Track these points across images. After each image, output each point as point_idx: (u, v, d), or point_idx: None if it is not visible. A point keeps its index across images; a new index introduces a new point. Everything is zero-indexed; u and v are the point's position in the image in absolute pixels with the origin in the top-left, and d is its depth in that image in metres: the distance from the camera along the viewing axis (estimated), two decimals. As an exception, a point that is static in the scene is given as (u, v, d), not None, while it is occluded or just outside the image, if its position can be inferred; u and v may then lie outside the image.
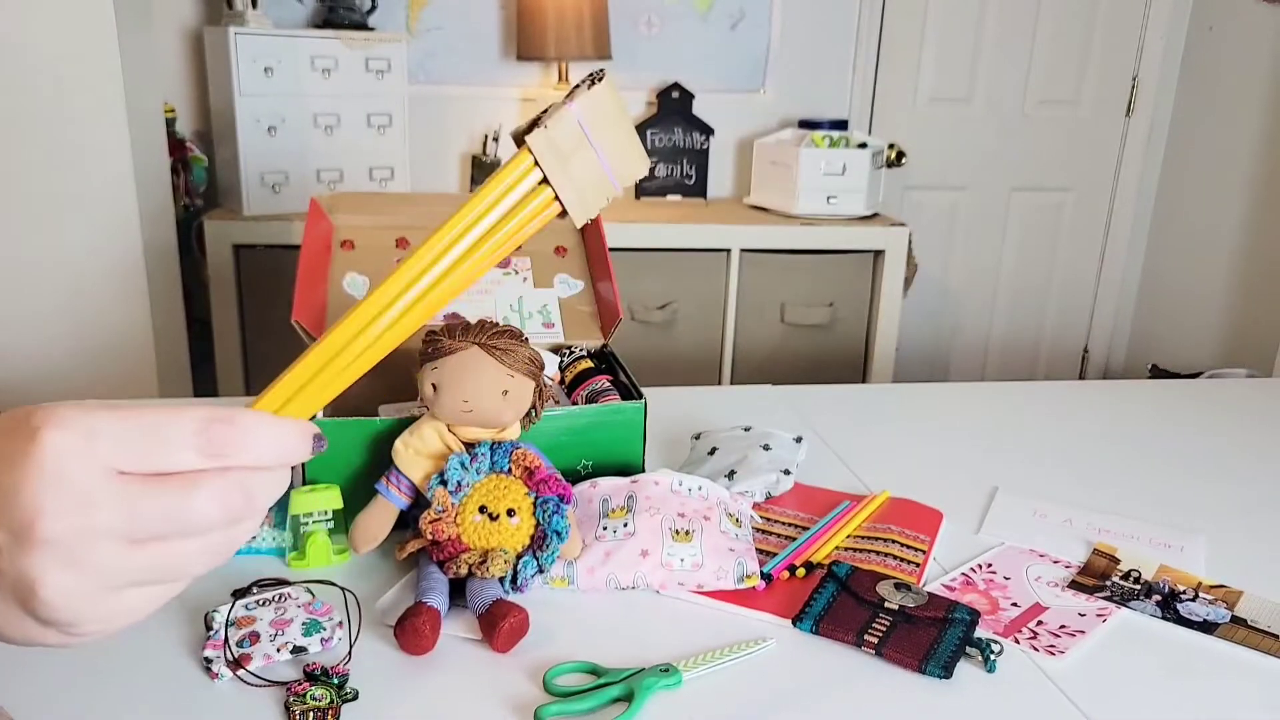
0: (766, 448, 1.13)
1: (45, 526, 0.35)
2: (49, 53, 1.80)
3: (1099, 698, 0.77)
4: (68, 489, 0.35)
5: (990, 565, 0.97)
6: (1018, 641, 0.84)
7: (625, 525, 0.91)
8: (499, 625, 0.78)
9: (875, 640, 0.81)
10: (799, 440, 1.17)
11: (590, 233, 1.26)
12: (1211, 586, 0.94)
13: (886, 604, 0.86)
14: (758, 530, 1.01)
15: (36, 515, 0.35)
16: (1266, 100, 2.81)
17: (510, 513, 0.86)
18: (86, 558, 0.36)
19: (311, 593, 0.83)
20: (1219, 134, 2.98)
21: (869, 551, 0.97)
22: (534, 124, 0.50)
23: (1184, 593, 0.93)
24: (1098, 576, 0.95)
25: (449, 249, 0.49)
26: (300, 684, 0.73)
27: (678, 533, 0.90)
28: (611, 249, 1.21)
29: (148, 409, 0.38)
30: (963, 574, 0.95)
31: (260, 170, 2.34)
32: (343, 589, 0.84)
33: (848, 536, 1.00)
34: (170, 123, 2.35)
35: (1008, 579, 0.95)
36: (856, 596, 0.87)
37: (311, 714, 0.70)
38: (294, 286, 1.07)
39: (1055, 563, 0.98)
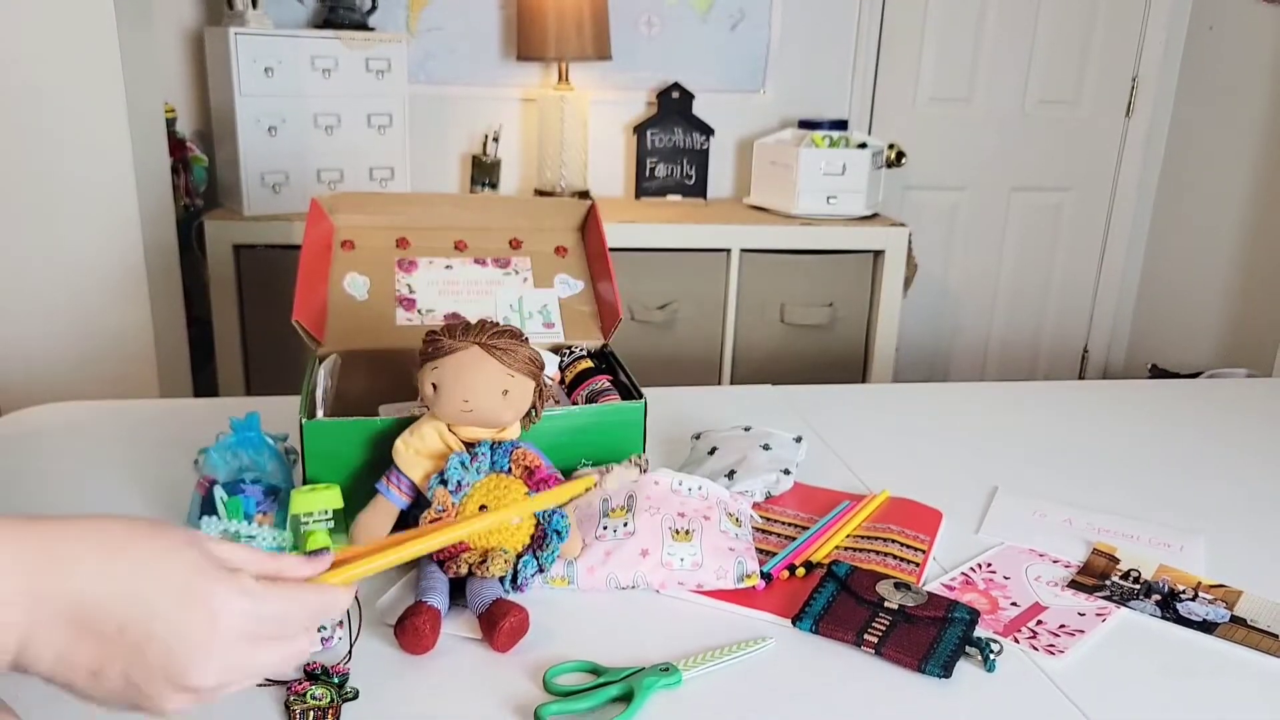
0: (766, 447, 1.14)
1: (195, 682, 0.47)
2: (49, 53, 1.80)
3: (1098, 697, 0.77)
4: (222, 664, 0.48)
5: (990, 565, 0.97)
6: (1017, 641, 0.84)
7: (625, 525, 0.91)
8: (499, 625, 0.78)
9: (875, 639, 0.81)
10: (799, 440, 1.17)
11: (590, 233, 1.26)
12: (1211, 586, 0.94)
13: (886, 603, 0.86)
14: (757, 530, 1.01)
15: (190, 676, 0.47)
16: (1266, 100, 2.81)
17: (510, 512, 0.86)
18: (209, 696, 0.49)
19: (312, 592, 0.83)
20: (1219, 134, 2.98)
21: (869, 551, 0.97)
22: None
23: (1183, 592, 0.93)
24: (1097, 576, 0.96)
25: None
26: (300, 683, 0.73)
27: (678, 532, 0.90)
28: (611, 249, 1.21)
29: (287, 590, 0.52)
30: (962, 573, 0.95)
31: (260, 170, 2.34)
32: (343, 588, 0.84)
33: (847, 536, 1.00)
34: (170, 123, 2.35)
35: (1007, 578, 0.95)
36: (856, 596, 0.87)
37: (312, 713, 0.71)
38: (294, 286, 1.08)
39: (1055, 562, 0.98)
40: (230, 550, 0.51)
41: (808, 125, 2.76)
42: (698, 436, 1.20)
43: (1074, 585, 0.94)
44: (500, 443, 0.89)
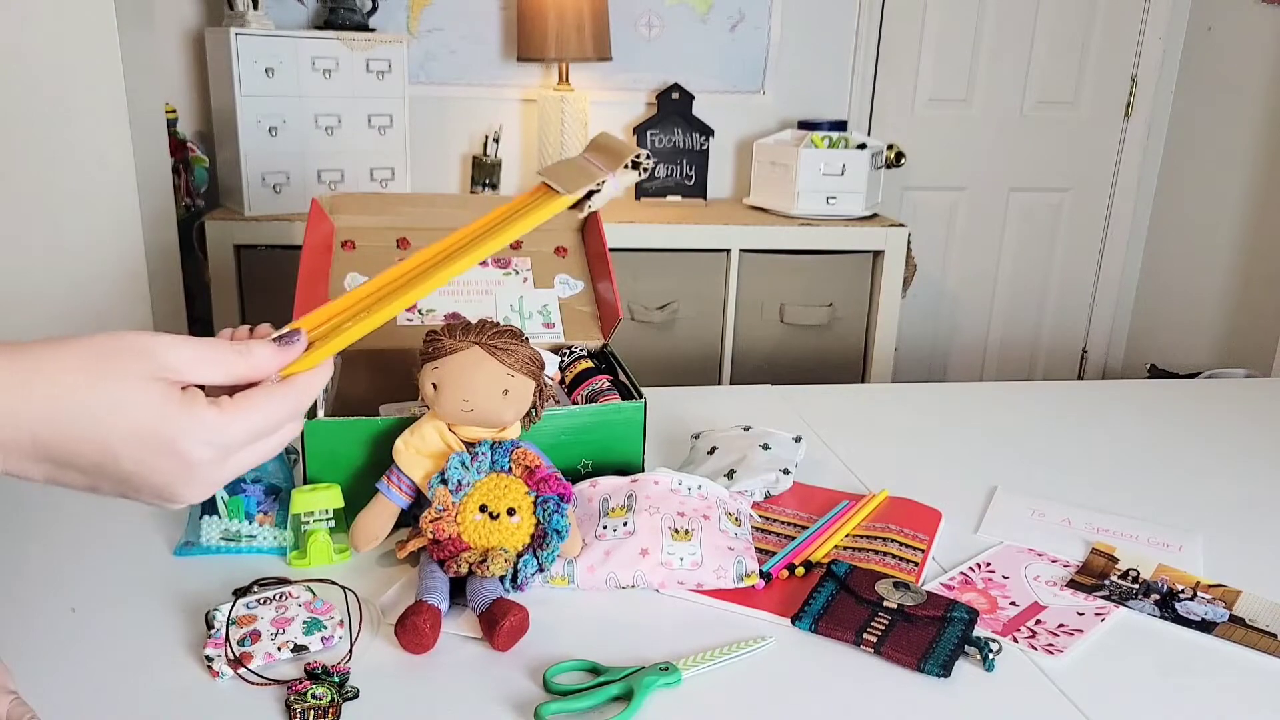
0: (766, 447, 1.14)
1: (185, 500, 0.52)
2: (50, 53, 1.81)
3: (1097, 697, 0.78)
4: (205, 483, 0.52)
5: (989, 564, 0.98)
6: (1016, 640, 0.85)
7: (625, 524, 0.91)
8: (499, 624, 0.79)
9: (874, 639, 0.82)
10: (798, 440, 1.18)
11: (590, 233, 1.27)
12: (1210, 586, 0.94)
13: (885, 603, 0.86)
14: (757, 529, 1.01)
15: (178, 498, 0.52)
16: (1265, 101, 2.82)
17: (510, 511, 0.87)
18: (208, 494, 0.53)
19: (312, 591, 0.84)
20: (1217, 134, 2.98)
21: (868, 550, 0.97)
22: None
23: (1182, 592, 0.93)
24: (1096, 576, 0.96)
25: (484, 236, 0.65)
26: (301, 682, 0.74)
27: (677, 531, 0.91)
28: (611, 249, 1.21)
29: (254, 406, 0.52)
30: (961, 573, 0.96)
31: (261, 171, 2.35)
32: (344, 588, 0.84)
33: (847, 535, 1.00)
34: (171, 123, 2.36)
35: (1006, 578, 0.95)
36: (855, 595, 0.87)
37: (312, 712, 0.71)
38: (295, 287, 1.08)
39: (1054, 562, 0.99)
40: (192, 366, 0.50)
41: (807, 126, 2.77)
42: (697, 436, 1.21)
43: (1073, 585, 0.94)
44: (500, 442, 0.90)
